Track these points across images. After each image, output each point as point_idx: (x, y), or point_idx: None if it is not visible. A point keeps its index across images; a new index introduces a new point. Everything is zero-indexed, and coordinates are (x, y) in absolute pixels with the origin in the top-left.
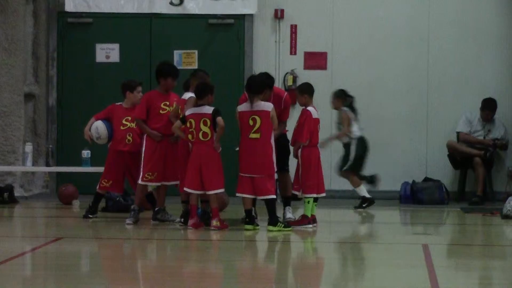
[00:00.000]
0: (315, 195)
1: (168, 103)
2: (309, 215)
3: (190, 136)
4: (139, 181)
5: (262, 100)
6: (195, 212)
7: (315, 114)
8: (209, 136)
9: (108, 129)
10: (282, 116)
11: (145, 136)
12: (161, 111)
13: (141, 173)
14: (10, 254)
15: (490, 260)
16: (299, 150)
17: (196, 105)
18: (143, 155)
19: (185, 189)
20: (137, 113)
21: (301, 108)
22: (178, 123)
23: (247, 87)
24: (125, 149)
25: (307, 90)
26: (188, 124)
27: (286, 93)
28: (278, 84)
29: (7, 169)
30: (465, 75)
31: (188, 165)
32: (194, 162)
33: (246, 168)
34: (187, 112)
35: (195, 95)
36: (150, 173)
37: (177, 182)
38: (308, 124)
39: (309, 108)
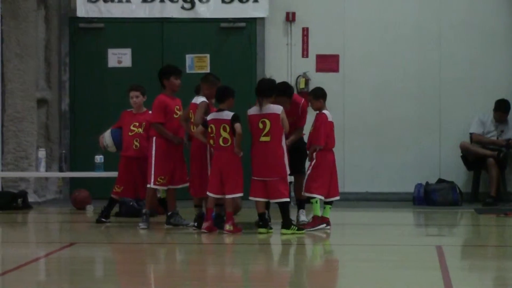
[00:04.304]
0: (319, 196)
1: (178, 107)
2: (319, 215)
3: (211, 142)
4: (151, 185)
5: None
6: (210, 215)
7: (330, 118)
8: (229, 142)
9: (116, 138)
10: (300, 122)
11: (154, 140)
12: (175, 115)
13: (153, 177)
14: (24, 260)
15: (504, 261)
16: (314, 154)
17: (217, 109)
18: (153, 159)
19: (207, 193)
20: (155, 117)
21: (312, 112)
22: (200, 128)
23: (256, 90)
24: (132, 155)
25: (322, 94)
26: (209, 130)
27: (303, 100)
28: None
29: (21, 175)
30: (477, 76)
31: (211, 170)
32: (215, 168)
33: (258, 171)
34: (208, 117)
35: (216, 99)
36: (162, 177)
37: (186, 185)
38: (325, 128)
39: (325, 111)
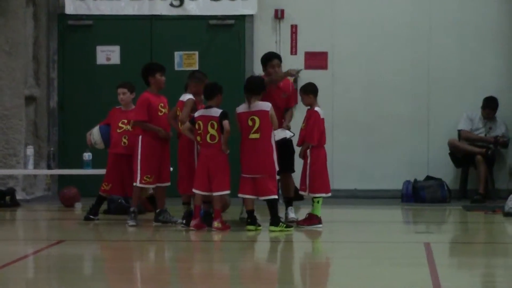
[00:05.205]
0: (324, 195)
1: (162, 104)
2: (319, 215)
3: (198, 138)
4: (137, 184)
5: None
6: (198, 213)
7: (322, 114)
8: (217, 139)
9: (104, 134)
10: (291, 101)
11: (140, 138)
12: (159, 113)
13: (139, 176)
14: (12, 257)
15: (492, 258)
16: (308, 151)
17: (205, 106)
18: (139, 157)
19: (193, 190)
20: (138, 115)
21: (302, 107)
22: (187, 125)
23: (245, 87)
24: (121, 152)
25: (312, 90)
26: (196, 126)
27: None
28: None
29: (9, 172)
30: (466, 73)
31: (197, 167)
32: (202, 164)
33: (247, 168)
34: (196, 114)
35: (204, 96)
36: (149, 176)
37: (168, 184)
38: (318, 125)
39: (317, 108)
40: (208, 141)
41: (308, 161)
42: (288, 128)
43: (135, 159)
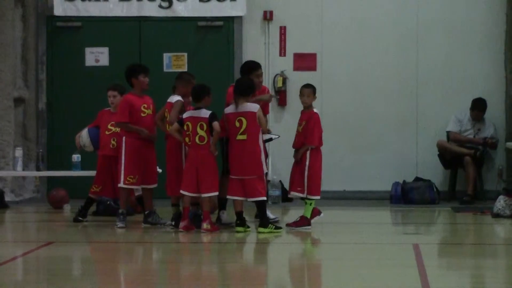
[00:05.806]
0: (318, 197)
1: (146, 105)
2: (309, 216)
3: (187, 139)
4: (121, 184)
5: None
6: (187, 214)
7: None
8: (206, 140)
9: (93, 137)
10: (266, 109)
11: (124, 139)
12: (142, 114)
13: (122, 176)
14: (1, 259)
15: (481, 259)
16: (308, 153)
17: (194, 108)
18: (123, 158)
19: (181, 191)
20: (120, 117)
21: (295, 110)
22: (175, 126)
23: (234, 89)
24: (110, 153)
25: (315, 92)
26: (185, 127)
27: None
28: (267, 85)
29: None
30: (455, 75)
31: (185, 168)
32: (190, 165)
33: (236, 170)
34: (185, 115)
35: (193, 98)
36: (132, 176)
37: (155, 186)
38: (318, 128)
39: (316, 110)
40: (197, 142)
41: (307, 163)
42: (269, 132)
43: (119, 160)
